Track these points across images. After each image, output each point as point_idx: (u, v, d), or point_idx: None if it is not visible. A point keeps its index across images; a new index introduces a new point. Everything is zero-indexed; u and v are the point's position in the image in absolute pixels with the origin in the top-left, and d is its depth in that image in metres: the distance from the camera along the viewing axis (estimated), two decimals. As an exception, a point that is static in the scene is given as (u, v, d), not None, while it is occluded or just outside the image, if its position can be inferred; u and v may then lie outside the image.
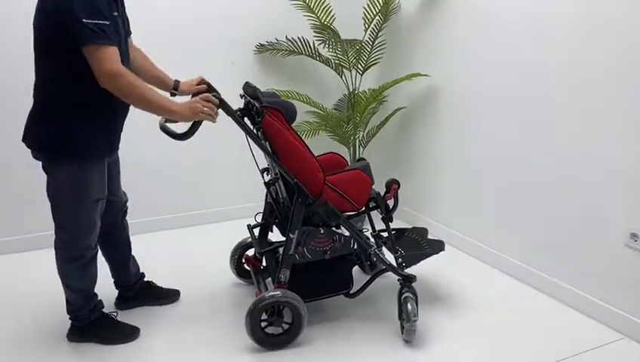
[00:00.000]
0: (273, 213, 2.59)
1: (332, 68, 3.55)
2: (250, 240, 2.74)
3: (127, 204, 2.49)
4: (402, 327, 2.35)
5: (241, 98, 2.37)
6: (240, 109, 2.29)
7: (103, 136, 2.09)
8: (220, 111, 2.07)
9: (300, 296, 2.24)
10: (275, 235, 2.59)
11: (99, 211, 2.17)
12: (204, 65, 3.39)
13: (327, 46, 3.42)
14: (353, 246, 2.36)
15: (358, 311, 2.58)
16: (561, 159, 2.62)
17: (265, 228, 2.67)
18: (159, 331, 2.43)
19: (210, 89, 2.31)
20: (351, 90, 3.56)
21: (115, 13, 1.99)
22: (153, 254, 2.97)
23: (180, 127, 2.07)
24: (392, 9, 3.47)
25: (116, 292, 2.59)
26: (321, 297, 2.44)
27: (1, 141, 3.00)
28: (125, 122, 2.21)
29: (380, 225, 2.60)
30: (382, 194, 2.51)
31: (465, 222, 3.30)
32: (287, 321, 2.28)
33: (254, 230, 2.67)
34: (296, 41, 3.49)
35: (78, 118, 1.99)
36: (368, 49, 3.49)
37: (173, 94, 2.38)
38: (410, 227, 2.86)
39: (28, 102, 2.06)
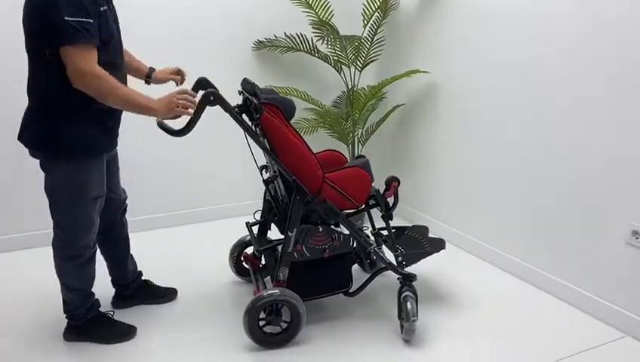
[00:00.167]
0: (272, 211, 2.57)
1: (331, 64, 3.53)
2: (249, 238, 2.72)
3: (127, 202, 2.47)
4: (402, 327, 2.33)
5: (240, 95, 2.35)
6: (238, 106, 2.27)
7: (99, 133, 2.07)
8: (218, 107, 2.05)
9: (298, 294, 2.23)
10: (275, 233, 2.57)
11: (97, 209, 2.16)
12: (202, 62, 3.37)
13: (325, 42, 3.39)
14: (352, 244, 2.34)
15: (358, 310, 2.56)
16: (561, 156, 2.61)
17: (264, 226, 2.65)
18: (156, 330, 2.41)
19: (208, 85, 2.28)
20: (350, 86, 3.54)
21: (104, 8, 1.95)
22: (151, 252, 2.96)
23: (178, 124, 2.04)
24: (391, 5, 3.45)
25: (113, 291, 2.57)
26: (320, 296, 2.42)
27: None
28: (122, 119, 2.19)
29: (379, 223, 2.58)
30: (381, 191, 2.49)
31: (465, 219, 3.28)
32: (285, 320, 2.26)
33: (253, 228, 2.65)
34: (294, 38, 3.47)
35: (72, 116, 1.96)
36: (367, 45, 3.47)
37: (147, 82, 2.37)
38: (410, 225, 2.84)
39: (25, 100, 2.03)
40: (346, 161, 2.67)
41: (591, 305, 2.55)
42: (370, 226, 2.71)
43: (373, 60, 3.54)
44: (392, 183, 2.47)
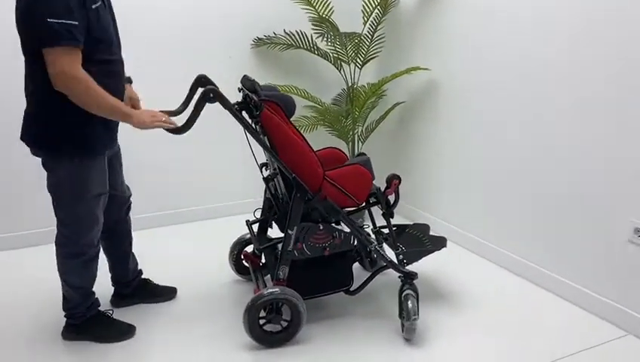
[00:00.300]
0: (272, 209, 2.55)
1: (330, 62, 3.51)
2: (248, 236, 2.71)
3: (131, 199, 2.46)
4: (402, 325, 2.32)
5: (239, 91, 2.34)
6: (238, 103, 2.26)
7: (99, 130, 2.06)
8: (218, 104, 2.03)
9: (299, 293, 2.22)
10: (275, 231, 2.56)
11: (101, 206, 2.16)
12: (201, 58, 3.38)
13: (325, 39, 3.38)
14: (353, 242, 2.32)
15: (359, 308, 2.55)
16: (562, 153, 2.60)
17: (264, 224, 2.64)
18: (156, 329, 2.40)
19: (208, 82, 2.27)
20: (350, 84, 3.53)
21: (96, 5, 1.91)
22: (150, 251, 2.94)
23: (177, 121, 2.03)
24: (391, 2, 3.43)
25: (111, 290, 2.56)
26: (321, 294, 2.41)
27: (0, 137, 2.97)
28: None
29: (380, 220, 2.57)
30: (382, 189, 2.48)
31: (465, 217, 3.27)
32: (285, 319, 2.25)
33: (253, 226, 2.64)
34: (294, 35, 3.45)
35: (71, 115, 1.95)
36: (367, 42, 3.45)
37: None
38: (411, 223, 2.83)
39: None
40: (347, 158, 2.66)
41: (592, 303, 2.54)
42: (370, 224, 2.70)
43: (374, 57, 3.53)
44: (393, 181, 2.46)
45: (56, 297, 2.26)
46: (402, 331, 2.33)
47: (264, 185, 2.54)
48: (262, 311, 2.20)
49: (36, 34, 1.80)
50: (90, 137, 2.03)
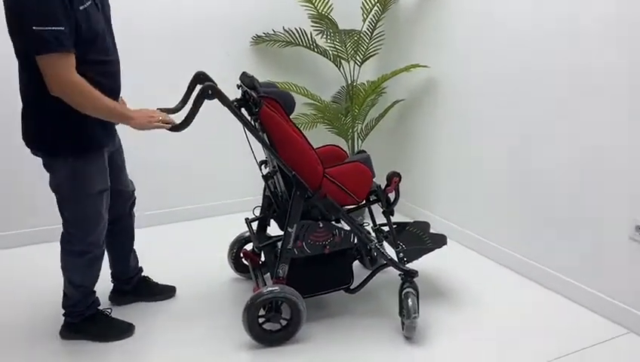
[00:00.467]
0: (272, 207, 2.54)
1: (330, 59, 3.50)
2: (248, 234, 2.70)
3: (135, 194, 2.46)
4: (403, 323, 2.31)
5: (238, 88, 2.32)
6: (237, 100, 2.24)
7: (97, 129, 2.05)
8: (217, 101, 2.02)
9: (298, 291, 2.21)
10: (274, 229, 2.55)
11: (105, 203, 2.16)
12: (199, 56, 3.37)
13: (324, 37, 3.36)
14: (353, 240, 2.31)
15: (359, 306, 2.54)
16: (562, 151, 2.58)
17: (263, 222, 2.63)
18: (155, 327, 2.39)
19: (206, 79, 2.26)
20: (349, 81, 3.51)
21: (86, 5, 1.87)
22: (149, 249, 2.92)
23: (176, 118, 2.02)
24: (390, -1, 3.42)
25: (110, 288, 2.55)
26: (321, 293, 2.40)
27: (1, 137, 2.95)
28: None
29: (380, 218, 2.56)
30: (382, 187, 2.47)
31: (464, 215, 3.26)
32: (285, 317, 2.24)
33: (252, 224, 2.63)
34: (293, 32, 3.43)
35: (68, 115, 1.93)
36: (367, 40, 3.44)
37: None
38: (411, 221, 2.82)
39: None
40: (347, 156, 2.65)
41: (593, 301, 2.53)
42: (370, 222, 2.69)
43: (373, 55, 3.51)
44: (393, 179, 2.44)
45: (54, 296, 2.25)
46: (402, 329, 2.32)
47: (263, 183, 2.53)
48: (261, 309, 2.19)
49: (25, 41, 1.79)
50: (88, 136, 2.02)
